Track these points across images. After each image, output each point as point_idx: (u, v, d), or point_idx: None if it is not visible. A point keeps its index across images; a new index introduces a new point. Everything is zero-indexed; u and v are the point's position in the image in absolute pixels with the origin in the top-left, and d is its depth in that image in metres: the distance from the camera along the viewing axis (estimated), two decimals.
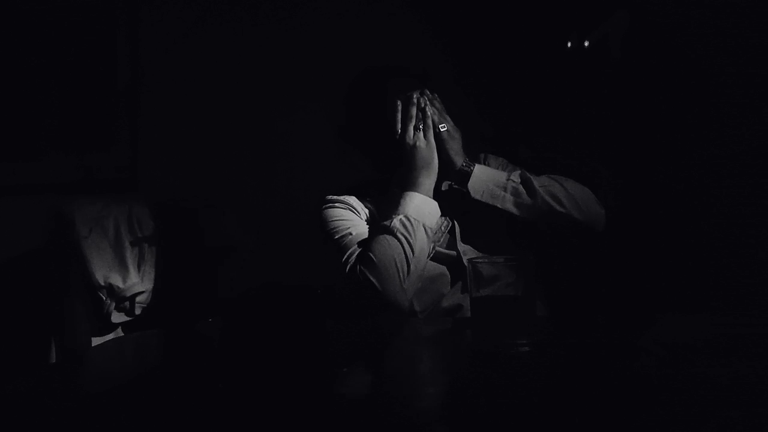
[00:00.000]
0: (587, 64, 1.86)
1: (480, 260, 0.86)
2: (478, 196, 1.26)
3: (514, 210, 1.25)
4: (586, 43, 1.43)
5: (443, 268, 1.29)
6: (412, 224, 1.20)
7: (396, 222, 1.21)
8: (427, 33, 2.14)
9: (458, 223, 1.33)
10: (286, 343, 0.80)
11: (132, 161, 2.22)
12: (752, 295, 1.32)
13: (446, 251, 1.30)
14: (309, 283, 0.88)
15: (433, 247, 1.26)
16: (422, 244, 1.21)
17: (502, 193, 1.25)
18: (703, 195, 1.54)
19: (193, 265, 1.97)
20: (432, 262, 1.28)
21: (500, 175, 1.28)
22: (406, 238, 1.19)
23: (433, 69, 1.39)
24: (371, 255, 1.18)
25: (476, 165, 1.28)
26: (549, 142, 1.86)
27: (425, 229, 1.22)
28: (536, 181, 1.25)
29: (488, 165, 1.41)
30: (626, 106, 1.77)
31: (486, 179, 1.27)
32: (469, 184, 1.26)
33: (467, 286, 1.26)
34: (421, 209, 1.23)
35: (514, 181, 1.26)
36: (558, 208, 1.23)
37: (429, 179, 1.27)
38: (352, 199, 1.36)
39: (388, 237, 1.19)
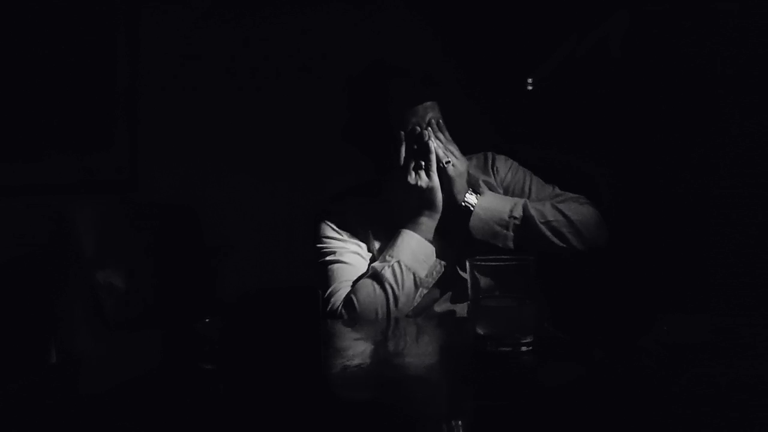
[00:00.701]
0: (587, 65, 1.86)
1: (480, 261, 0.86)
2: (479, 237, 1.23)
3: (512, 247, 1.23)
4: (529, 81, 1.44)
5: None
6: (402, 273, 1.19)
7: (387, 271, 1.18)
8: (428, 33, 2.14)
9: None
10: (287, 344, 0.79)
11: (132, 162, 2.22)
12: (752, 295, 1.32)
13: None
14: (308, 283, 0.88)
15: (420, 293, 1.24)
16: (409, 294, 1.20)
17: (504, 231, 1.23)
18: (703, 195, 1.54)
19: (193, 265, 1.97)
20: None
21: (502, 210, 1.24)
22: (393, 290, 1.17)
23: (434, 69, 1.38)
24: (355, 301, 1.16)
25: (478, 200, 1.25)
26: (550, 143, 1.86)
27: (415, 279, 1.20)
28: (539, 215, 1.22)
29: (496, 168, 1.39)
30: (626, 107, 1.77)
31: (487, 218, 1.23)
32: (471, 224, 1.24)
33: (459, 294, 1.25)
34: (416, 255, 1.22)
35: (516, 218, 1.23)
36: (559, 243, 1.22)
37: (430, 219, 1.25)
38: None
39: (376, 285, 1.18)
